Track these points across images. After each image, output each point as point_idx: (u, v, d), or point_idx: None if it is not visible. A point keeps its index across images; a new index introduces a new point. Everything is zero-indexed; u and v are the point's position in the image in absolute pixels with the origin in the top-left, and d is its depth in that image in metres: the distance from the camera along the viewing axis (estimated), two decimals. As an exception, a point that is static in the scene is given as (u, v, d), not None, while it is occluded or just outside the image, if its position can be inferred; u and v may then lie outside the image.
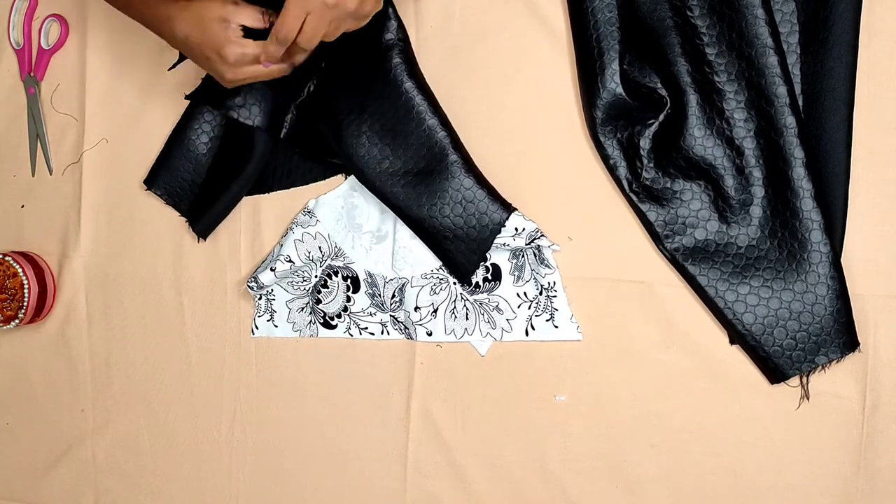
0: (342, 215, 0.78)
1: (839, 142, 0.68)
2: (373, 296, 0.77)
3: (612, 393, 0.74)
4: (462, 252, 0.73)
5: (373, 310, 0.78)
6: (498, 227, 0.72)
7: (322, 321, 0.79)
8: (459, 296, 0.76)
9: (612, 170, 0.72)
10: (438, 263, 0.76)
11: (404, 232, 0.76)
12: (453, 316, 0.76)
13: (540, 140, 0.74)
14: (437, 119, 0.72)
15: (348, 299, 0.78)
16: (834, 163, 0.68)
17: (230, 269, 0.81)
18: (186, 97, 0.77)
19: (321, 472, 0.80)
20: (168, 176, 0.80)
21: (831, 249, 0.67)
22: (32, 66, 0.84)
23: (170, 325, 0.82)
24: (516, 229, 0.73)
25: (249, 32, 0.64)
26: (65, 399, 0.85)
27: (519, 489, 0.76)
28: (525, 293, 0.74)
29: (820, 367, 0.69)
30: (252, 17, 0.63)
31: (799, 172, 0.67)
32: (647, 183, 0.71)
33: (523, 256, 0.74)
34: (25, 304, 0.81)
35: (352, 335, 0.78)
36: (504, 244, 0.73)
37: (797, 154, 0.67)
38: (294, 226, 0.77)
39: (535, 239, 0.72)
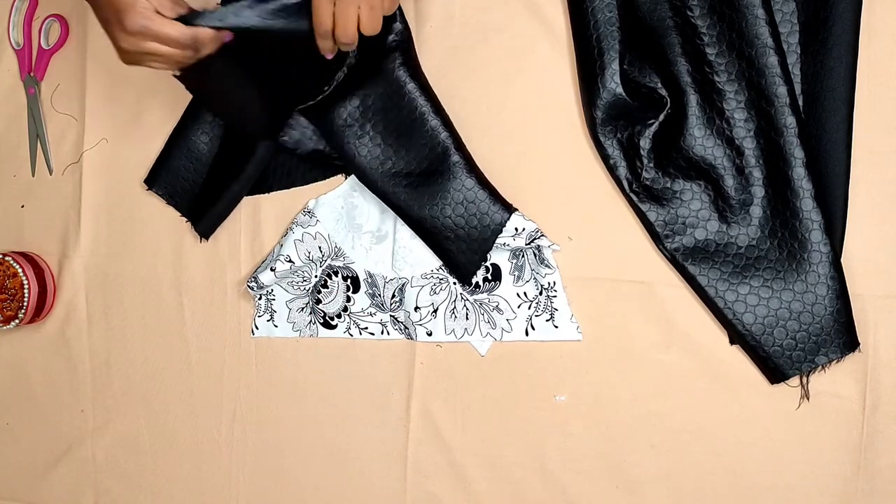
0: (342, 215, 0.78)
1: (839, 142, 0.68)
2: (373, 296, 0.77)
3: (612, 393, 0.74)
4: (463, 252, 0.73)
5: (373, 310, 0.78)
6: (499, 228, 0.72)
7: (322, 321, 0.79)
8: (459, 296, 0.76)
9: (612, 170, 0.72)
10: (438, 263, 0.76)
11: (404, 232, 0.76)
12: (453, 316, 0.76)
13: (540, 140, 0.74)
14: (440, 120, 0.73)
15: (348, 299, 0.78)
16: (834, 163, 0.68)
17: (230, 269, 0.81)
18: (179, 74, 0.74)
19: (321, 472, 0.80)
20: (168, 176, 0.80)
21: (831, 249, 0.67)
22: (32, 66, 0.84)
23: (170, 325, 0.82)
24: (516, 229, 0.73)
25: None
26: (65, 399, 0.85)
27: (519, 489, 0.76)
28: (525, 293, 0.74)
29: (820, 367, 0.69)
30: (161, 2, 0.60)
31: (799, 172, 0.67)
32: (647, 183, 0.71)
33: (523, 256, 0.74)
34: (25, 304, 0.81)
35: (352, 335, 0.78)
36: (504, 244, 0.73)
37: (797, 154, 0.67)
38: (294, 226, 0.77)
39: (535, 239, 0.72)
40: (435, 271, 0.76)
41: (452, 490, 0.77)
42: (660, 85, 0.71)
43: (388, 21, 0.72)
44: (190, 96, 0.79)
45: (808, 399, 0.70)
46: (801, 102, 0.68)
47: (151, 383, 0.83)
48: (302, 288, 0.79)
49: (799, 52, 0.69)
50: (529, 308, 0.74)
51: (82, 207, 0.84)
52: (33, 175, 0.85)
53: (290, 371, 0.80)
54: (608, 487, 0.74)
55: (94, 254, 0.84)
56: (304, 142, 0.75)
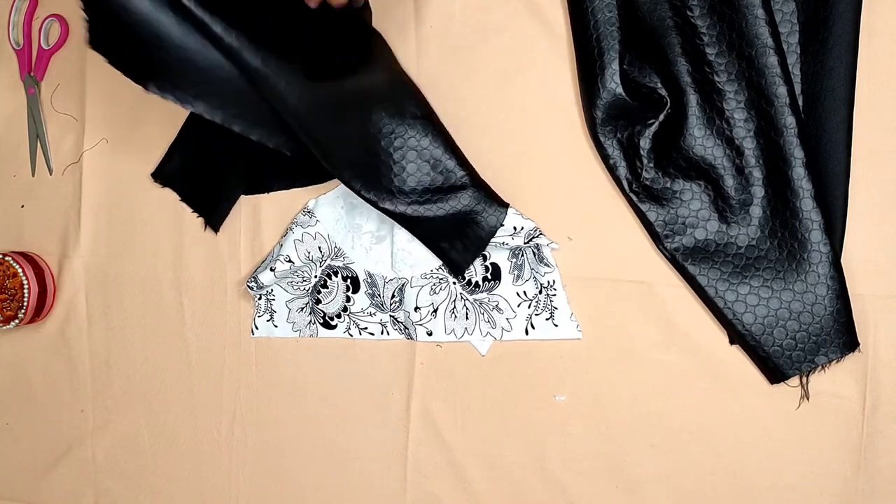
0: (342, 215, 0.78)
1: (839, 142, 0.68)
2: (372, 296, 0.77)
3: (612, 393, 0.74)
4: (458, 251, 0.73)
5: (373, 310, 0.78)
6: (495, 229, 0.72)
7: (322, 321, 0.79)
8: (459, 295, 0.76)
9: (612, 170, 0.72)
10: (438, 263, 0.76)
11: (404, 232, 0.76)
12: (453, 316, 0.76)
13: (540, 140, 0.74)
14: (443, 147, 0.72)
15: (348, 299, 0.78)
16: (834, 163, 0.68)
17: (230, 269, 0.81)
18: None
19: (321, 472, 0.80)
20: (176, 168, 0.80)
21: (831, 249, 0.67)
22: (32, 66, 0.84)
23: (170, 325, 0.82)
24: (515, 228, 0.73)
25: None
26: (65, 399, 0.85)
27: (519, 489, 0.76)
28: (525, 292, 0.74)
29: (820, 367, 0.69)
30: None
31: (799, 172, 0.67)
32: (647, 183, 0.71)
33: (522, 255, 0.74)
34: (25, 304, 0.81)
35: (352, 335, 0.78)
36: (503, 243, 0.73)
37: (797, 154, 0.67)
38: (294, 226, 0.77)
39: (534, 237, 0.72)
40: (434, 271, 0.76)
41: (452, 490, 0.77)
42: (660, 85, 0.71)
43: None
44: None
45: (808, 399, 0.70)
46: (801, 102, 0.68)
47: (151, 383, 0.83)
48: (302, 288, 0.79)
49: (799, 52, 0.69)
50: (529, 307, 0.74)
51: (82, 207, 0.84)
52: (33, 175, 0.85)
53: (290, 371, 0.80)
54: (608, 487, 0.74)
55: (94, 254, 0.84)
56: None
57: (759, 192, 0.69)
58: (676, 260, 0.71)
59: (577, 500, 0.75)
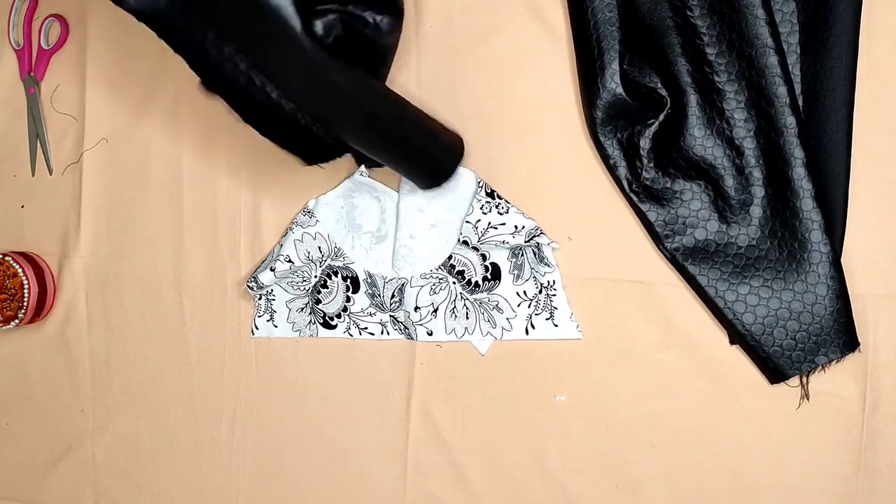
0: (342, 215, 0.78)
1: (839, 142, 0.68)
2: (372, 296, 0.77)
3: (612, 393, 0.74)
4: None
5: (373, 310, 0.78)
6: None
7: (322, 321, 0.79)
8: (459, 295, 0.76)
9: (612, 170, 0.72)
10: (438, 263, 0.76)
11: (404, 232, 0.76)
12: (453, 315, 0.76)
13: (540, 140, 0.74)
14: None
15: (348, 299, 0.78)
16: (834, 163, 0.68)
17: (230, 269, 0.81)
18: None
19: (321, 472, 0.80)
20: None
21: (831, 249, 0.67)
22: (32, 66, 0.84)
23: (170, 325, 0.82)
24: (515, 227, 0.73)
25: None
26: (65, 399, 0.85)
27: (519, 489, 0.76)
28: (525, 292, 0.74)
29: (820, 367, 0.69)
30: None
31: (799, 172, 0.67)
32: (647, 183, 0.71)
33: (522, 255, 0.74)
34: (25, 304, 0.81)
35: (352, 335, 0.78)
36: (503, 242, 0.73)
37: (797, 154, 0.67)
38: (294, 226, 0.77)
39: (534, 237, 0.73)
40: (434, 271, 0.76)
41: (452, 490, 0.77)
42: (660, 85, 0.71)
43: None
44: (189, 96, 0.79)
45: (808, 399, 0.70)
46: (801, 102, 0.68)
47: (151, 383, 0.83)
48: (302, 288, 0.79)
49: (799, 52, 0.69)
50: (529, 307, 0.74)
51: (82, 207, 0.84)
52: (33, 175, 0.85)
53: (290, 371, 0.80)
54: (608, 487, 0.74)
55: (94, 254, 0.84)
56: None
57: (759, 192, 0.69)
58: (676, 260, 0.71)
59: (577, 500, 0.75)
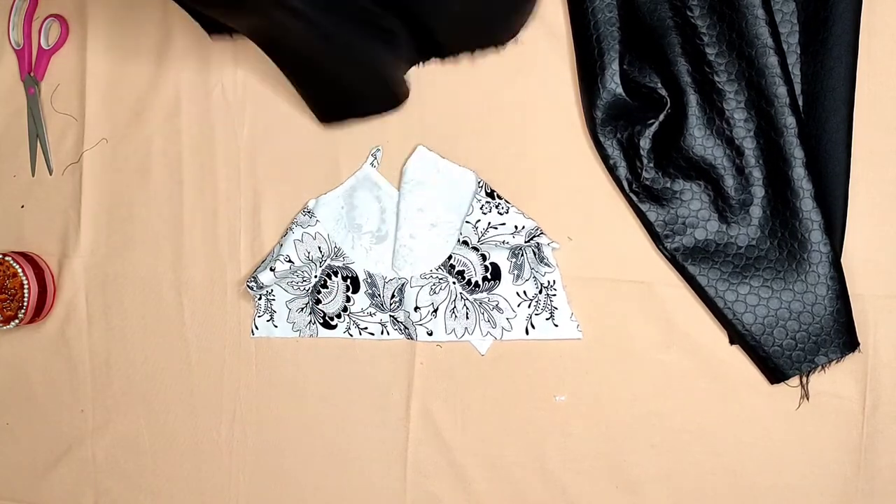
0: (342, 215, 0.78)
1: (839, 142, 0.68)
2: (372, 296, 0.77)
3: (612, 393, 0.74)
4: None
5: (372, 310, 0.78)
6: None
7: (322, 321, 0.79)
8: (459, 295, 0.76)
9: (612, 170, 0.72)
10: (438, 263, 0.76)
11: (404, 232, 0.76)
12: (453, 315, 0.76)
13: (540, 140, 0.74)
14: None
15: (348, 299, 0.78)
16: (834, 163, 0.68)
17: (230, 269, 0.81)
18: None
19: (321, 472, 0.80)
20: None
21: (831, 249, 0.67)
22: (32, 66, 0.84)
23: (170, 325, 0.82)
24: (515, 227, 0.73)
25: None
26: (65, 399, 0.85)
27: (519, 489, 0.76)
28: (525, 292, 0.74)
29: (820, 367, 0.69)
30: None
31: (799, 172, 0.67)
32: (647, 183, 0.71)
33: (522, 255, 0.74)
34: (25, 304, 0.81)
35: (352, 335, 0.78)
36: (503, 242, 0.73)
37: (797, 154, 0.67)
38: (294, 226, 0.77)
39: (534, 237, 0.73)
40: (434, 271, 0.76)
41: (452, 490, 0.77)
42: (660, 85, 0.71)
43: None
44: (190, 96, 0.79)
45: (808, 399, 0.70)
46: (801, 102, 0.68)
47: (151, 383, 0.83)
48: (302, 288, 0.79)
49: (799, 52, 0.69)
50: (529, 307, 0.74)
51: (82, 207, 0.84)
52: (33, 175, 0.85)
53: (290, 371, 0.80)
54: (608, 487, 0.74)
55: (94, 254, 0.84)
56: None
57: (759, 192, 0.69)
58: (676, 260, 0.71)
59: (577, 500, 0.75)
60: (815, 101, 0.68)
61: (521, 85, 0.74)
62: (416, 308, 0.76)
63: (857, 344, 0.68)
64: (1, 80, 0.86)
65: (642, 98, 0.71)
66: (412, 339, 0.77)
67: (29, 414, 0.86)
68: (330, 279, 0.78)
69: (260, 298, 0.79)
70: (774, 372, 0.69)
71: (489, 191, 0.74)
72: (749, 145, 0.69)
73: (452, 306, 0.76)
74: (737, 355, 0.71)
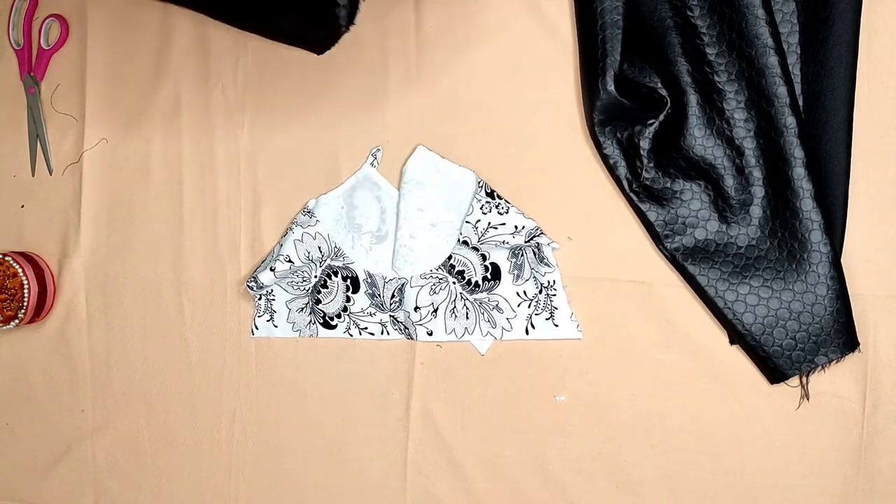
0: (342, 215, 0.78)
1: (839, 142, 0.68)
2: (372, 296, 0.77)
3: (612, 393, 0.74)
4: None
5: (372, 310, 0.78)
6: None
7: (322, 321, 0.79)
8: (459, 295, 0.76)
9: (612, 170, 0.72)
10: (438, 263, 0.76)
11: (404, 232, 0.76)
12: (453, 315, 0.76)
13: (540, 140, 0.74)
14: None
15: (348, 299, 0.78)
16: (834, 163, 0.68)
17: (230, 269, 0.81)
18: None
19: (321, 472, 0.80)
20: None
21: (831, 249, 0.67)
22: (32, 66, 0.84)
23: (170, 325, 0.82)
24: (515, 227, 0.73)
25: None
26: (65, 399, 0.85)
27: (519, 489, 0.76)
28: (525, 292, 0.74)
29: (820, 367, 0.69)
30: None
31: (799, 172, 0.67)
32: (647, 183, 0.71)
33: (522, 255, 0.74)
34: (25, 304, 0.81)
35: (352, 335, 0.78)
36: (503, 242, 0.73)
37: (797, 154, 0.67)
38: (294, 226, 0.77)
39: (534, 237, 0.73)
40: (434, 271, 0.76)
41: (452, 490, 0.77)
42: (660, 85, 0.71)
43: None
44: (189, 96, 0.79)
45: (808, 399, 0.70)
46: (801, 102, 0.68)
47: (151, 383, 0.83)
48: (302, 288, 0.79)
49: (799, 52, 0.69)
50: (529, 307, 0.74)
51: (82, 207, 0.84)
52: (33, 175, 0.85)
53: (290, 371, 0.80)
54: (608, 487, 0.74)
55: (94, 254, 0.84)
56: None
57: (759, 192, 0.69)
58: (676, 260, 0.71)
59: (577, 500, 0.75)
60: (815, 101, 0.68)
61: (521, 85, 0.74)
62: (416, 308, 0.76)
63: (857, 344, 0.68)
64: (1, 80, 0.86)
65: (642, 98, 0.71)
66: (412, 339, 0.77)
67: (29, 414, 0.86)
68: (330, 279, 0.78)
69: (260, 298, 0.79)
70: (774, 372, 0.69)
71: (489, 191, 0.74)
72: (749, 145, 0.69)
73: (452, 306, 0.76)
74: (737, 355, 0.71)
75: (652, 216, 0.71)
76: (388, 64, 0.77)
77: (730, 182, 0.69)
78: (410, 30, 0.76)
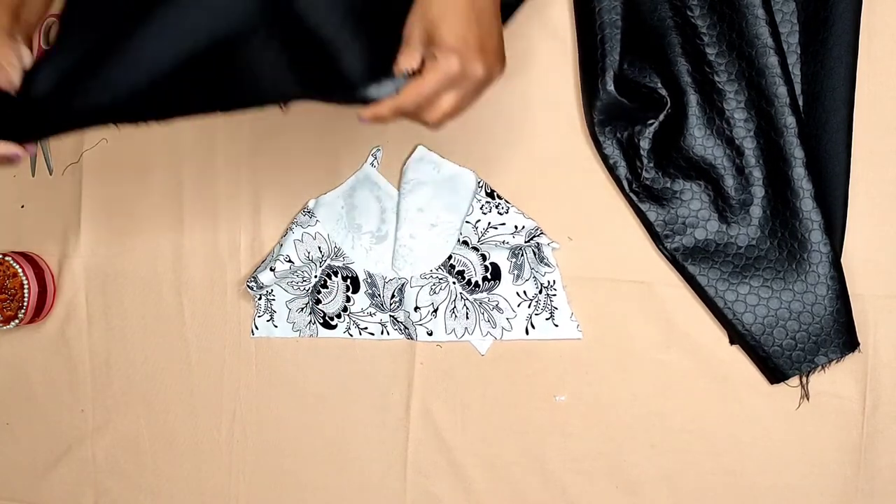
0: (342, 215, 0.78)
1: (839, 142, 0.68)
2: (372, 296, 0.77)
3: (612, 393, 0.74)
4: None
5: (372, 310, 0.78)
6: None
7: (322, 321, 0.79)
8: (459, 295, 0.76)
9: (612, 170, 0.72)
10: (438, 263, 0.76)
11: (404, 232, 0.76)
12: (453, 315, 0.76)
13: (540, 140, 0.74)
14: None
15: (348, 299, 0.78)
16: (834, 163, 0.68)
17: (230, 269, 0.81)
18: None
19: (321, 472, 0.80)
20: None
21: (831, 249, 0.67)
22: (32, 66, 0.84)
23: (170, 325, 0.82)
24: (515, 227, 0.73)
25: None
26: (65, 399, 0.85)
27: (519, 489, 0.76)
28: (525, 292, 0.74)
29: (820, 367, 0.69)
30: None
31: (799, 172, 0.67)
32: (647, 183, 0.71)
33: (522, 255, 0.74)
34: (25, 304, 0.81)
35: (352, 335, 0.78)
36: (503, 242, 0.73)
37: (797, 154, 0.67)
38: (294, 226, 0.77)
39: (534, 237, 0.73)
40: (434, 271, 0.76)
41: (452, 490, 0.77)
42: (660, 85, 0.71)
43: None
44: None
45: (808, 399, 0.70)
46: (801, 102, 0.68)
47: (151, 383, 0.83)
48: (302, 288, 0.79)
49: (799, 52, 0.69)
50: (529, 307, 0.74)
51: (82, 207, 0.84)
52: (33, 175, 0.85)
53: (290, 371, 0.80)
54: (608, 487, 0.74)
55: (94, 254, 0.84)
56: None
57: (759, 192, 0.69)
58: (676, 260, 0.71)
59: (577, 500, 0.75)
60: (815, 101, 0.68)
61: (521, 85, 0.74)
62: (416, 308, 0.76)
63: (857, 344, 0.68)
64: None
65: (642, 98, 0.71)
66: (412, 339, 0.77)
67: (29, 414, 0.86)
68: (330, 279, 0.78)
69: (260, 298, 0.79)
70: (774, 372, 0.69)
71: (489, 191, 0.74)
72: (749, 145, 0.69)
73: (452, 306, 0.76)
74: (737, 355, 0.71)
75: (652, 216, 0.71)
76: (388, 64, 0.77)
77: (730, 182, 0.69)
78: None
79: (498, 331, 0.75)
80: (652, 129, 0.70)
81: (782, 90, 0.66)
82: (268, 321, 0.80)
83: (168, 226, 0.82)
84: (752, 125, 0.68)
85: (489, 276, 0.75)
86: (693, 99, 0.69)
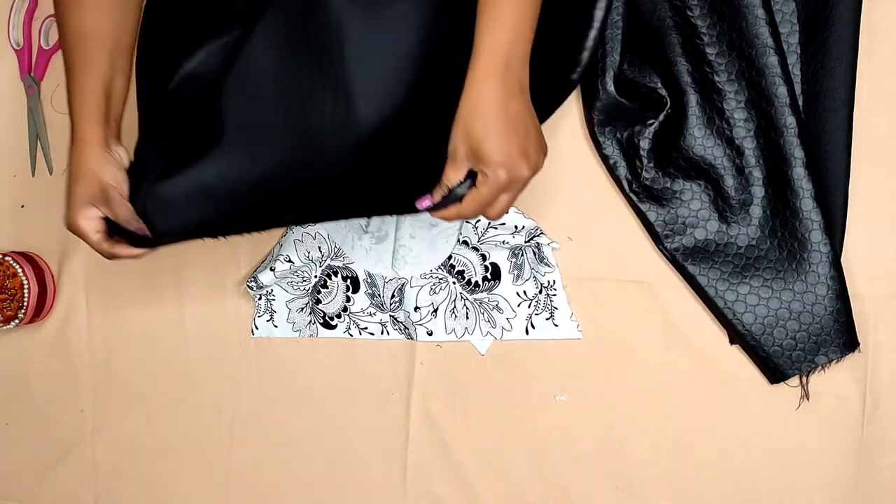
0: (342, 215, 0.78)
1: (839, 142, 0.68)
2: (372, 296, 0.77)
3: (612, 393, 0.74)
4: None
5: (372, 310, 0.78)
6: None
7: (322, 321, 0.79)
8: (459, 295, 0.76)
9: (612, 170, 0.72)
10: (438, 263, 0.76)
11: (404, 232, 0.76)
12: (453, 315, 0.76)
13: (540, 140, 0.74)
14: None
15: (348, 299, 0.78)
16: (834, 163, 0.68)
17: (230, 269, 0.81)
18: None
19: (321, 472, 0.80)
20: None
21: (831, 249, 0.67)
22: (32, 66, 0.84)
23: (170, 325, 0.82)
24: (515, 227, 0.73)
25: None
26: (65, 399, 0.85)
27: (519, 489, 0.76)
28: (525, 292, 0.74)
29: (820, 367, 0.69)
30: (120, 215, 0.64)
31: (799, 172, 0.67)
32: (647, 183, 0.71)
33: (522, 255, 0.74)
34: (25, 304, 0.81)
35: (352, 335, 0.78)
36: (503, 242, 0.73)
37: (797, 154, 0.67)
38: (294, 226, 0.77)
39: (534, 237, 0.73)
40: (434, 271, 0.76)
41: (452, 490, 0.77)
42: (660, 85, 0.71)
43: None
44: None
45: (808, 399, 0.70)
46: (801, 102, 0.68)
47: (151, 383, 0.83)
48: (302, 288, 0.78)
49: (799, 52, 0.69)
50: (529, 307, 0.74)
51: (82, 207, 0.83)
52: (33, 175, 0.85)
53: (290, 371, 0.80)
54: (608, 487, 0.74)
55: (94, 254, 0.83)
56: None
57: (759, 192, 0.69)
58: (676, 260, 0.71)
59: (577, 500, 0.74)
60: (815, 101, 0.68)
61: (521, 85, 0.74)
62: (416, 308, 0.76)
63: (857, 344, 0.68)
64: (1, 80, 0.86)
65: (642, 98, 0.71)
66: (412, 339, 0.77)
67: (29, 414, 0.86)
68: (330, 279, 0.78)
69: (260, 298, 0.79)
70: (774, 372, 0.69)
71: (489, 191, 0.74)
72: (749, 145, 0.69)
73: (452, 306, 0.76)
74: (737, 355, 0.71)
75: (652, 216, 0.71)
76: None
77: (730, 182, 0.69)
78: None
79: (498, 331, 0.75)
80: (652, 129, 0.70)
81: (782, 90, 0.66)
82: (268, 321, 0.80)
83: (168, 226, 0.82)
84: (752, 125, 0.68)
85: (489, 276, 0.75)
86: (693, 99, 0.69)
